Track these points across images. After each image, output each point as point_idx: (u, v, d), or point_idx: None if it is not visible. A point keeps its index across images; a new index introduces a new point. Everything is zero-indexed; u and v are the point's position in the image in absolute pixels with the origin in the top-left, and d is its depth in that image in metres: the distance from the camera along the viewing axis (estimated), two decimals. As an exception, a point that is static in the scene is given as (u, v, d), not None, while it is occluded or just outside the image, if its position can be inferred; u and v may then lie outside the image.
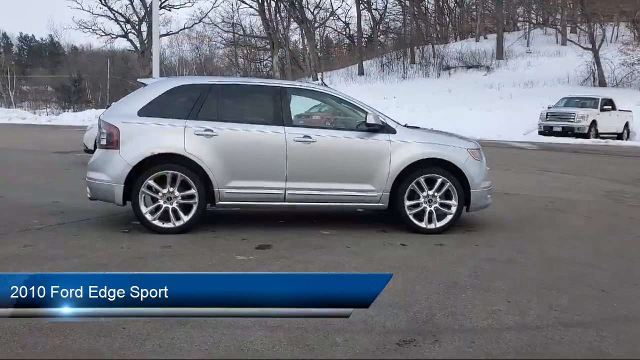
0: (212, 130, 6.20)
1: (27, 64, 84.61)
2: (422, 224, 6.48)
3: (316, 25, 51.15)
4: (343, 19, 59.75)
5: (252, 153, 6.27)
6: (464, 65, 43.93)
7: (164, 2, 51.15)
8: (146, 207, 6.16)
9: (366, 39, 59.19)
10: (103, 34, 51.31)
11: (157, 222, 6.17)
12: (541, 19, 49.64)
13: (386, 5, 56.49)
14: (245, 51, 61.85)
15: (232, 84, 6.63)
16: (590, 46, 35.24)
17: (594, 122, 21.87)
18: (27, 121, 37.50)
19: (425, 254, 5.57)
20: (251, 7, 50.12)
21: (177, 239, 5.96)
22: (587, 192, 10.15)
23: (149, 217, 6.15)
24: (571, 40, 37.89)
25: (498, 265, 5.26)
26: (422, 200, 6.47)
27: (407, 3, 54.30)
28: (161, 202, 6.17)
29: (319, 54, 52.83)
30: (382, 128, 6.42)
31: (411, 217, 6.47)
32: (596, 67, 34.90)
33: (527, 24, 50.42)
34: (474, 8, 58.53)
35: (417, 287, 4.53)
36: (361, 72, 45.31)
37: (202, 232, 6.27)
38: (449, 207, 6.50)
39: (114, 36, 52.10)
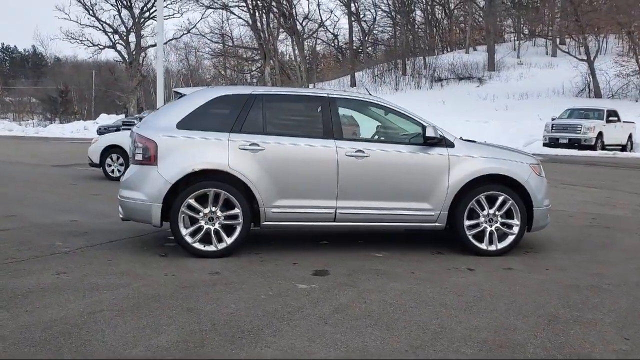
0: (258, 145, 5.68)
1: (9, 74, 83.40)
2: (482, 245, 6.00)
3: (305, 36, 50.89)
4: (332, 30, 59.78)
5: (301, 169, 5.75)
6: (456, 77, 43.90)
7: (152, 13, 50.58)
8: (186, 228, 5.61)
9: (355, 51, 59.09)
10: (91, 44, 50.42)
11: (197, 245, 5.63)
12: (527, 31, 49.82)
13: (375, 18, 56.54)
14: (232, 62, 61.38)
15: (277, 94, 6.11)
16: (584, 57, 35.26)
17: (600, 134, 21.65)
18: (14, 133, 36.67)
19: (500, 281, 5.09)
20: (240, 17, 49.78)
21: (222, 263, 5.42)
22: (623, 207, 9.75)
23: (189, 239, 5.61)
24: (565, 52, 37.90)
25: (585, 293, 4.78)
26: (482, 219, 6.00)
27: (395, 15, 54.35)
28: (202, 222, 5.62)
29: (309, 65, 52.54)
30: (440, 141, 5.96)
31: (470, 238, 5.99)
32: (591, 79, 34.90)
33: (517, 35, 50.62)
34: (461, 20, 58.75)
35: (516, 322, 4.03)
36: (353, 84, 45.05)
37: (245, 255, 5.74)
38: (510, 227, 6.04)
39: (102, 47, 51.24)
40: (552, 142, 22.98)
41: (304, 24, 50.05)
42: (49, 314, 3.95)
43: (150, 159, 5.60)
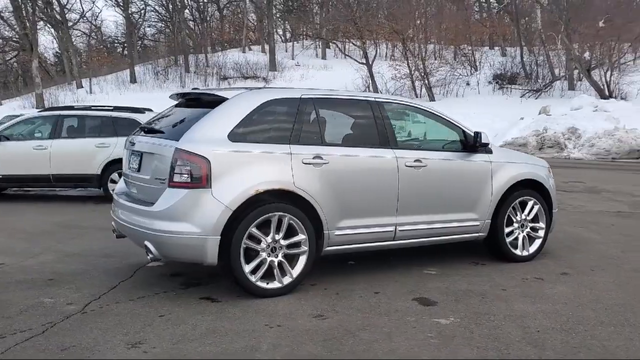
0: (321, 157, 4.81)
1: None
2: (517, 252, 5.92)
3: (67, 27, 46.17)
4: (93, 22, 55.21)
5: (365, 184, 5.03)
6: (241, 76, 43.83)
7: None
8: (247, 264, 4.52)
9: (122, 45, 55.68)
10: None
11: (260, 283, 4.58)
12: (289, 33, 51.93)
13: (144, 13, 53.79)
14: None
15: (330, 97, 5.23)
16: (363, 61, 37.92)
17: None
18: None
19: (588, 288, 5.02)
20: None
21: (300, 302, 4.49)
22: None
23: (251, 277, 4.53)
24: (348, 55, 40.30)
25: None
26: (515, 225, 5.93)
27: (166, 10, 52.43)
28: (264, 254, 4.59)
29: (84, 58, 47.97)
30: (483, 147, 5.73)
31: (508, 245, 5.88)
32: (370, 81, 37.69)
33: (285, 37, 52.44)
34: (233, 19, 58.89)
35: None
36: (134, 80, 42.11)
37: (303, 288, 4.82)
38: (536, 230, 6.08)
39: None
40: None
41: (65, 14, 45.40)
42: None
43: (201, 180, 4.38)
